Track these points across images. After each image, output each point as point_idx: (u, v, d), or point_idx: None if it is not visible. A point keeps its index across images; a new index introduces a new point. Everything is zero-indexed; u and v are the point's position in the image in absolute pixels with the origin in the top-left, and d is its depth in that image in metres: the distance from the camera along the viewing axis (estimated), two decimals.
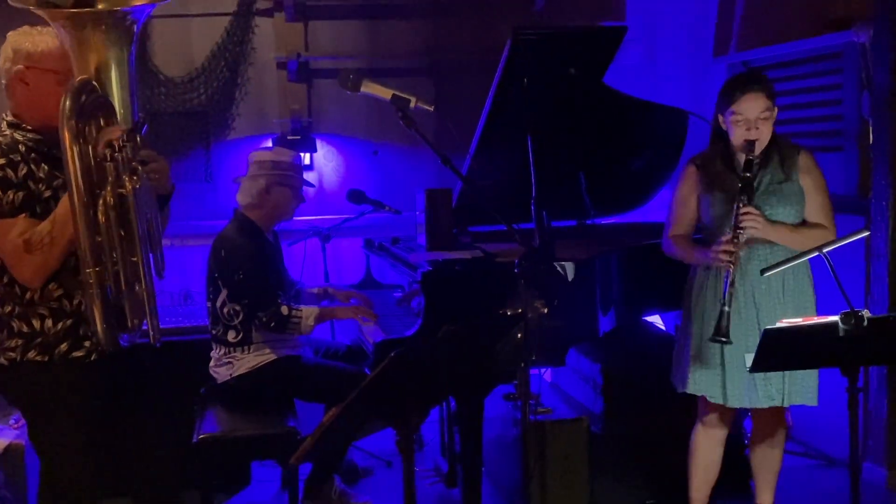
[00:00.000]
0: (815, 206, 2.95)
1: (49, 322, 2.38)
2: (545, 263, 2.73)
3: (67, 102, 2.16)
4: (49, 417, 2.42)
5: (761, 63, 4.60)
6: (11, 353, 2.39)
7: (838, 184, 4.06)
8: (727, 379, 2.96)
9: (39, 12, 2.25)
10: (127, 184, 2.19)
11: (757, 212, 2.82)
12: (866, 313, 2.31)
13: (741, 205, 2.79)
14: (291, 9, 4.81)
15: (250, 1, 4.82)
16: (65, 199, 2.27)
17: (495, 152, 3.64)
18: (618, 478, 3.72)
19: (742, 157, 2.88)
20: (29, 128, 2.39)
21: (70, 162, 2.17)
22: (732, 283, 2.79)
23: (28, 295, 2.37)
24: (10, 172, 2.30)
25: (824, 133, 4.20)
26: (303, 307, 3.47)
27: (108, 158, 2.17)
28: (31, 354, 2.38)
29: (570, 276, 3.23)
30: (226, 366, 3.46)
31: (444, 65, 5.00)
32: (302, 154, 4.77)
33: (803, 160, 2.96)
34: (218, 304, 3.43)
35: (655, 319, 4.48)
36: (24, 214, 2.30)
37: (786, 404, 2.96)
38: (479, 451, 3.20)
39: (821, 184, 2.97)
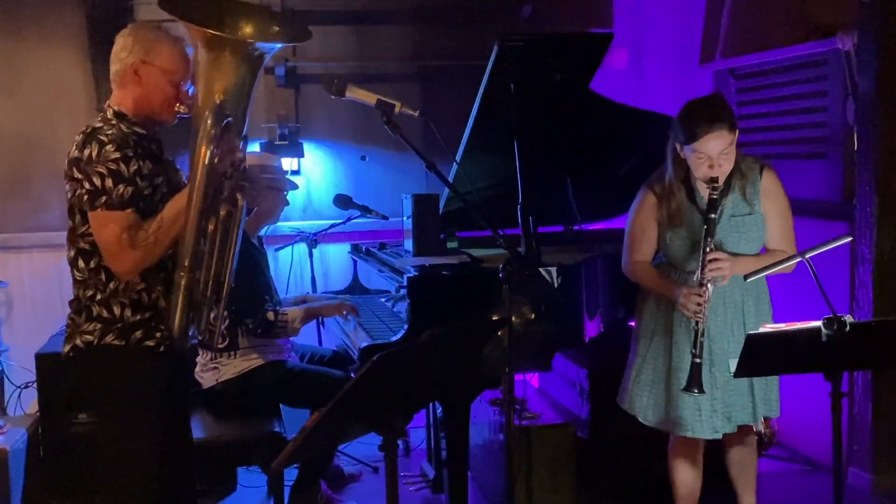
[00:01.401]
0: (777, 233, 2.90)
1: (128, 311, 2.44)
2: (530, 269, 2.73)
3: (211, 119, 2.30)
4: (122, 404, 2.46)
5: (747, 70, 4.63)
6: (89, 336, 2.44)
7: (822, 190, 4.08)
8: (676, 406, 2.90)
9: (183, 26, 2.34)
10: (239, 200, 2.38)
11: (723, 258, 2.75)
12: (849, 318, 2.32)
13: (708, 250, 2.71)
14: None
15: None
16: (174, 203, 2.38)
17: (482, 158, 3.64)
18: (604, 483, 3.73)
19: (703, 188, 2.82)
20: (134, 121, 2.46)
21: (200, 173, 2.30)
22: (703, 333, 2.70)
23: (112, 284, 2.43)
24: (122, 167, 2.35)
25: (809, 140, 4.23)
26: (288, 310, 3.47)
27: (228, 175, 2.35)
28: (108, 338, 2.43)
29: (556, 282, 3.24)
30: (212, 371, 3.45)
31: (432, 71, 5.01)
32: (289, 159, 4.78)
33: (765, 181, 2.88)
34: None
35: None
36: (130, 209, 2.35)
37: (731, 430, 2.92)
38: (466, 457, 3.20)
39: (783, 207, 2.90)
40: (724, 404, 2.90)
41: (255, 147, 4.78)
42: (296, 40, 2.57)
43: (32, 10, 4.54)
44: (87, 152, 2.35)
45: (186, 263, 2.37)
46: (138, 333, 2.45)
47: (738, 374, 2.53)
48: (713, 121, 2.72)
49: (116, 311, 2.43)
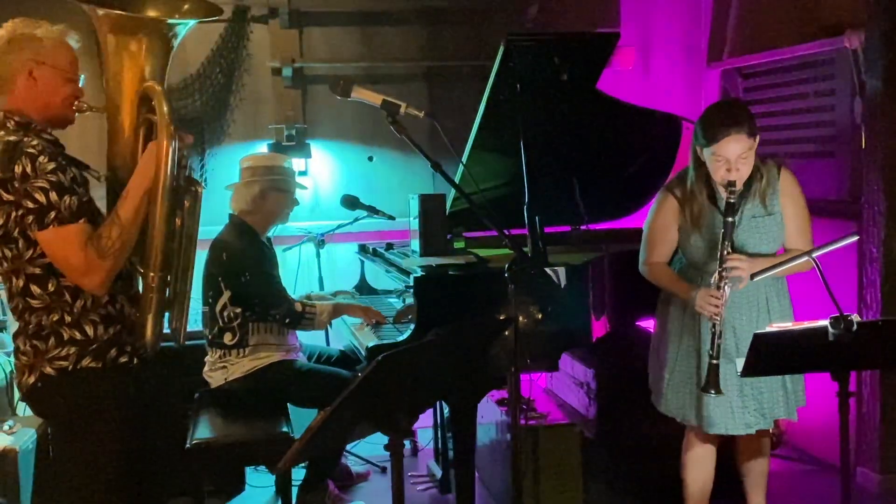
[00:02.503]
0: (794, 232, 2.91)
1: (101, 328, 2.32)
2: (536, 268, 2.73)
3: (166, 107, 2.21)
4: (97, 424, 2.33)
5: (754, 69, 4.62)
6: (62, 362, 2.29)
7: (829, 189, 4.07)
8: (705, 404, 2.91)
9: (87, 9, 2.25)
10: (198, 189, 2.32)
11: (742, 261, 2.74)
12: (855, 318, 2.32)
13: (726, 252, 2.72)
14: (286, 15, 4.83)
15: (245, 7, 4.83)
16: (129, 202, 2.25)
17: (489, 158, 3.65)
18: (611, 483, 3.73)
19: (723, 191, 2.81)
20: (40, 127, 2.29)
21: (164, 166, 2.20)
22: (720, 335, 2.72)
23: (80, 303, 2.29)
24: (61, 177, 2.19)
25: (816, 138, 4.22)
26: (316, 303, 3.49)
27: (182, 164, 2.27)
28: (85, 362, 2.31)
29: (563, 282, 3.24)
30: (220, 370, 3.47)
31: (439, 71, 5.01)
32: (297, 160, 4.79)
33: (783, 181, 2.90)
34: (218, 307, 3.44)
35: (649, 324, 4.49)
36: (83, 220, 2.22)
37: (767, 426, 2.94)
38: (472, 457, 3.20)
39: (800, 206, 2.92)
40: (755, 400, 2.90)
41: (262, 148, 4.80)
42: (209, 16, 2.44)
43: (39, 11, 4.55)
44: (18, 169, 2.15)
45: (157, 263, 2.27)
46: (113, 352, 2.35)
47: (745, 374, 2.53)
48: (732, 124, 2.73)
49: (90, 330, 2.31)
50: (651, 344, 3.17)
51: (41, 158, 2.17)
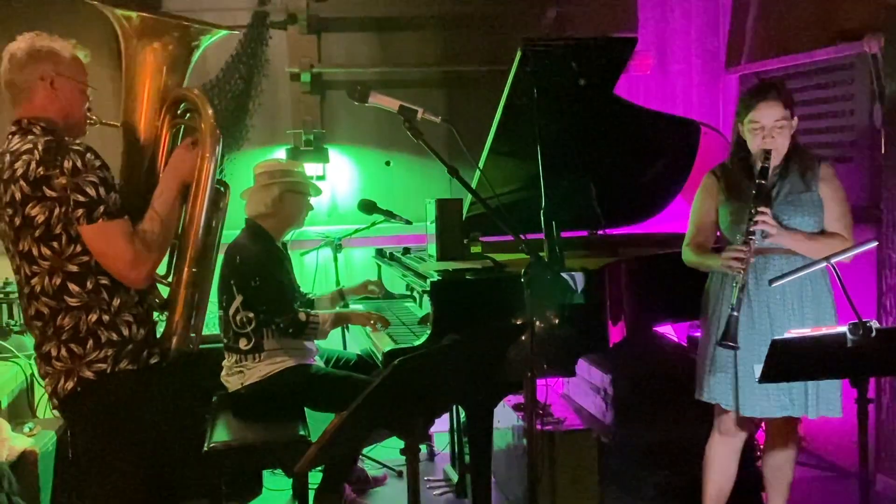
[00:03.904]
0: (833, 216, 2.95)
1: (134, 328, 2.35)
2: (553, 273, 2.73)
3: (210, 109, 2.33)
4: (133, 427, 2.35)
5: (773, 74, 4.60)
6: (101, 365, 2.30)
7: (849, 194, 4.03)
8: (739, 387, 2.94)
9: (114, 17, 2.33)
10: (225, 188, 2.44)
11: (769, 217, 2.80)
12: (874, 323, 2.30)
13: (753, 209, 2.79)
14: (305, 21, 4.86)
15: (264, 13, 4.86)
16: (164, 200, 2.35)
17: (506, 163, 3.65)
18: (628, 489, 3.71)
19: (759, 162, 2.88)
20: (62, 135, 2.30)
21: (209, 164, 2.33)
22: (742, 289, 2.79)
23: (117, 301, 2.32)
24: (107, 174, 2.26)
25: (835, 144, 4.20)
26: (319, 312, 3.51)
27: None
28: (122, 364, 2.32)
29: (580, 286, 3.23)
30: (237, 375, 3.48)
31: (456, 76, 5.03)
32: (315, 165, 4.82)
33: (824, 171, 2.96)
34: (231, 311, 3.45)
35: (666, 330, 4.47)
36: (126, 216, 2.28)
37: (811, 416, 2.92)
38: (489, 461, 3.20)
39: (840, 194, 2.97)
40: (787, 384, 2.90)
41: (280, 153, 4.82)
42: (232, 29, 2.55)
43: (60, 14, 4.59)
44: (67, 164, 2.19)
45: (193, 258, 2.36)
46: (145, 353, 2.37)
47: (762, 380, 2.51)
48: (768, 90, 2.90)
49: (125, 330, 2.33)
50: (699, 346, 3.17)
51: (88, 155, 2.24)
